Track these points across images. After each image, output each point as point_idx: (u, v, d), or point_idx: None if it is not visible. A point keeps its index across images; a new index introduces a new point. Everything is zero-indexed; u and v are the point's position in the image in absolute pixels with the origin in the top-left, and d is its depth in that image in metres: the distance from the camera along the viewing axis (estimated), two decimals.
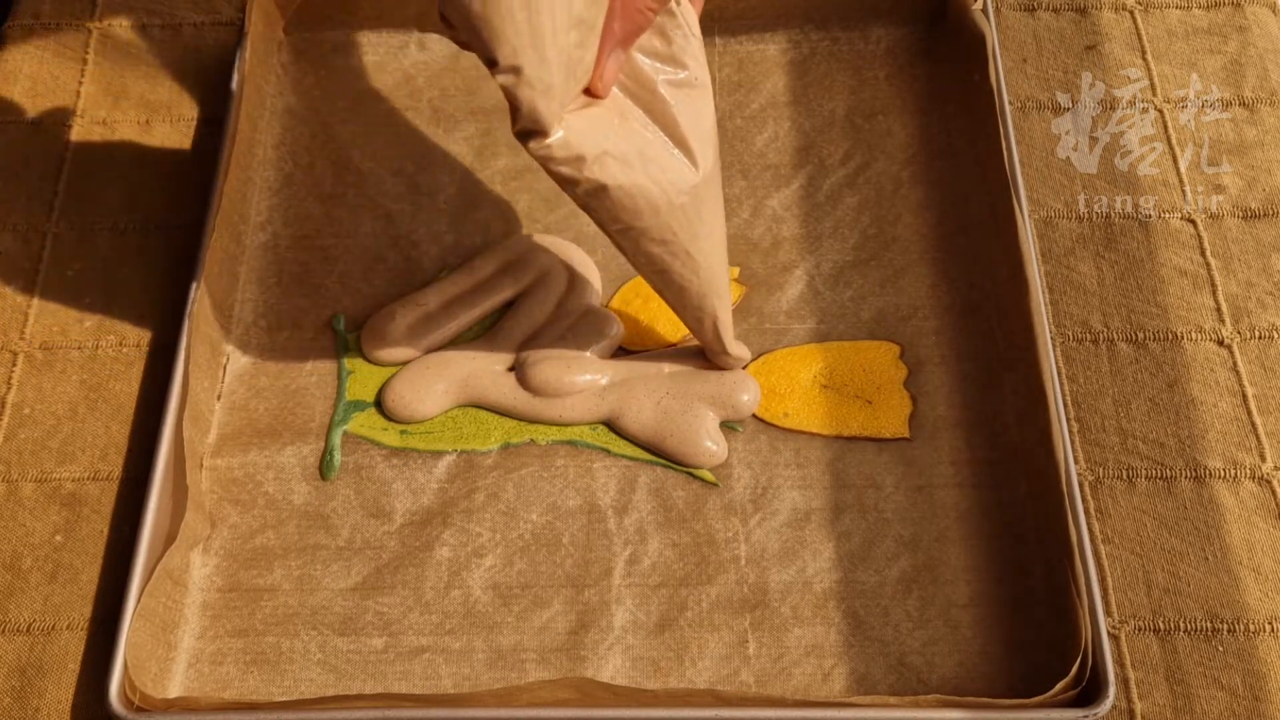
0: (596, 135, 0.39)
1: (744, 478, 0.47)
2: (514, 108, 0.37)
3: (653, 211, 0.41)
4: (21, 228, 0.53)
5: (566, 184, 0.40)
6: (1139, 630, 0.43)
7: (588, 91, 0.40)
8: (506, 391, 0.48)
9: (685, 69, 0.42)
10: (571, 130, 0.38)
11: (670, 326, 0.50)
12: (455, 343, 0.50)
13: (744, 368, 0.48)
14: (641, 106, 0.41)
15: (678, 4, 0.41)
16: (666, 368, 0.49)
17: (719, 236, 0.45)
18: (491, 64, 0.35)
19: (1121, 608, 0.43)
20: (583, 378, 0.48)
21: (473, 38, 0.35)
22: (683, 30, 0.41)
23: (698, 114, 0.42)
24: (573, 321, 0.50)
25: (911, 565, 0.45)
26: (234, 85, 0.53)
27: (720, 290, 0.45)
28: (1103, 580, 0.44)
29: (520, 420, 0.48)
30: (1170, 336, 0.49)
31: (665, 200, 0.41)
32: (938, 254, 0.51)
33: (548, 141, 0.38)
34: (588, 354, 0.48)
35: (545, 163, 0.39)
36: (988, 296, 0.50)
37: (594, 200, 0.41)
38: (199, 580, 0.45)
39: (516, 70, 0.35)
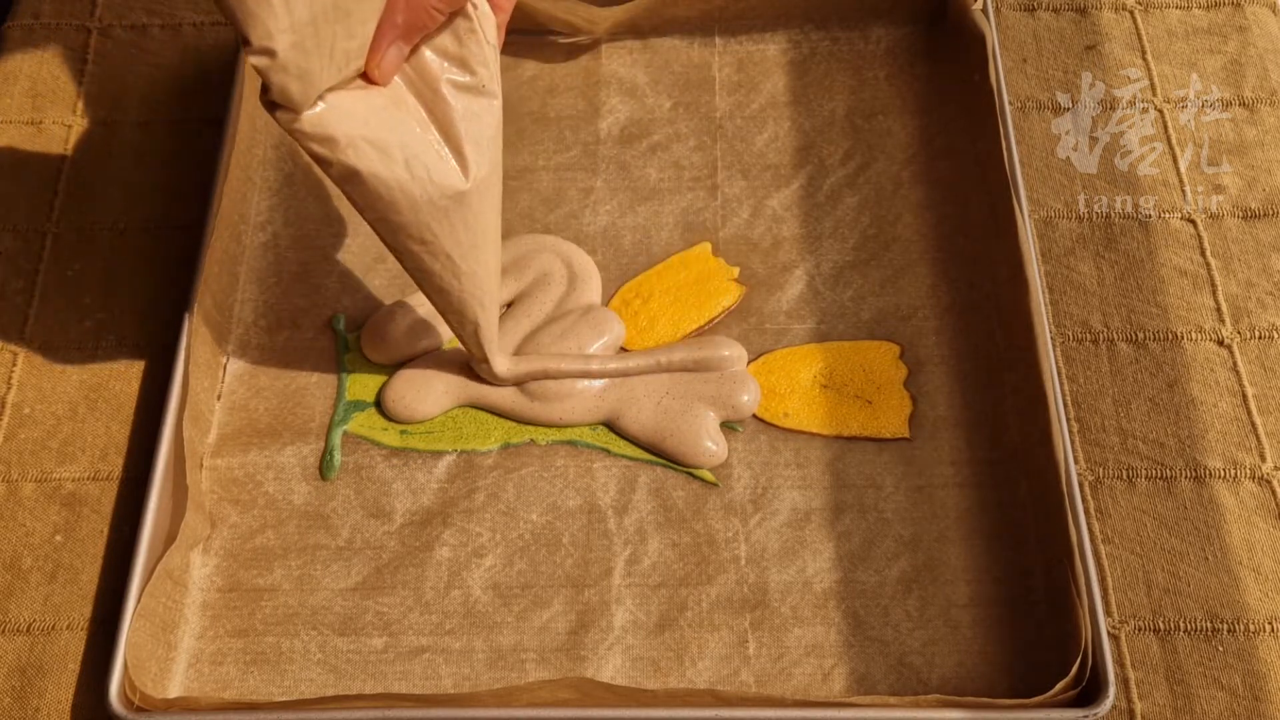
0: (356, 120, 0.39)
1: (744, 478, 0.47)
2: (265, 80, 0.36)
3: (411, 208, 0.40)
4: (21, 228, 0.53)
5: (319, 163, 0.39)
6: (1139, 630, 0.43)
7: (366, 77, 0.39)
8: (506, 394, 0.48)
9: (473, 74, 0.41)
10: (330, 109, 0.38)
11: (670, 326, 0.50)
12: (455, 342, 0.50)
13: (506, 384, 0.48)
14: (423, 104, 0.41)
15: (474, 8, 0.40)
16: (662, 358, 0.49)
17: (490, 246, 0.44)
18: (245, 43, 0.35)
19: (1121, 608, 0.43)
20: (578, 380, 0.48)
21: (230, 16, 0.35)
22: (477, 36, 0.40)
23: (479, 121, 0.41)
24: (573, 320, 0.50)
25: (911, 565, 0.45)
26: (234, 85, 0.53)
27: (484, 299, 0.44)
28: (1103, 580, 0.44)
29: (520, 422, 0.48)
30: (1170, 336, 0.49)
31: (426, 199, 0.40)
32: (938, 254, 0.51)
33: (297, 117, 0.37)
34: (581, 352, 0.48)
35: (293, 137, 0.38)
36: (988, 296, 0.50)
37: (347, 185, 0.40)
38: (199, 580, 0.45)
39: (270, 53, 0.35)
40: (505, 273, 0.51)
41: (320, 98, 0.38)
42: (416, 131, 0.40)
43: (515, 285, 0.51)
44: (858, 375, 0.49)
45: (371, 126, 0.39)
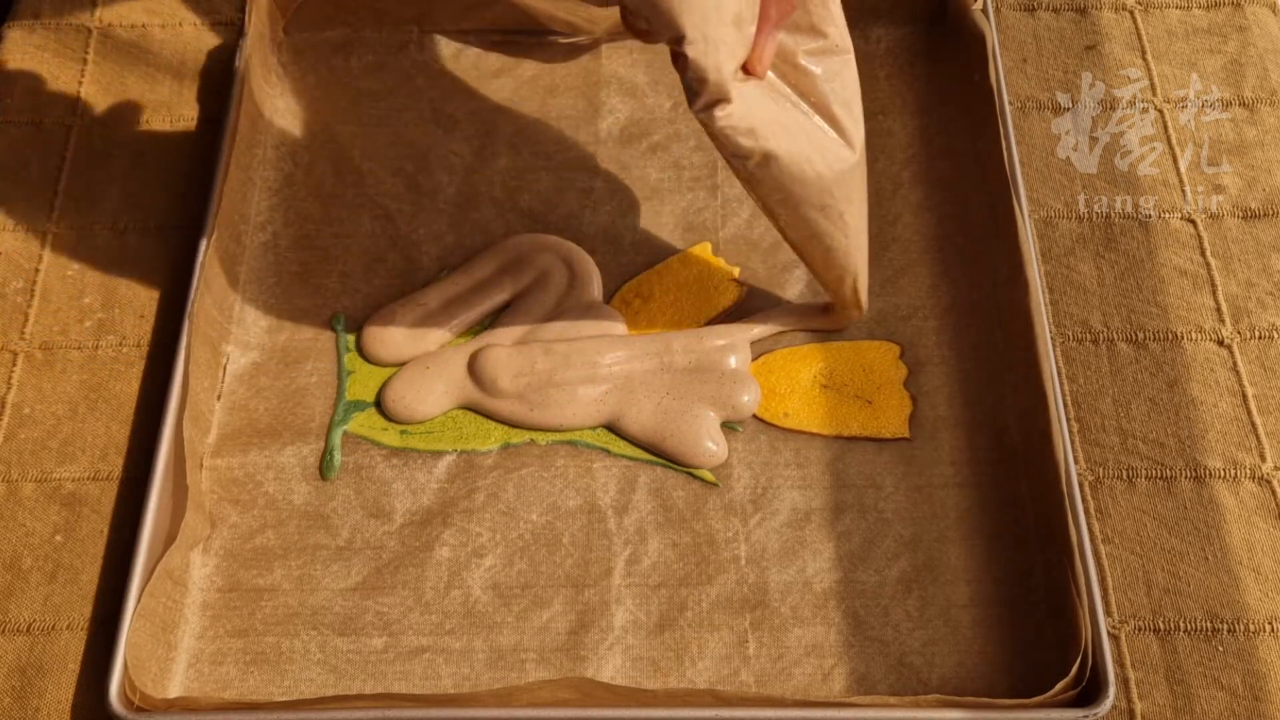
0: (765, 106, 0.41)
1: (744, 478, 0.47)
2: (699, 79, 0.38)
3: (816, 180, 0.42)
4: (21, 228, 0.53)
5: (739, 156, 0.41)
6: (1139, 630, 0.43)
7: (745, 70, 0.41)
8: (505, 401, 0.48)
9: (825, 36, 0.42)
10: (743, 100, 0.40)
11: (670, 326, 0.50)
12: (455, 342, 0.50)
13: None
14: (788, 83, 0.43)
15: None
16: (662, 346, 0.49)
17: (865, 200, 0.46)
18: (679, 39, 0.37)
19: (1121, 608, 0.43)
20: (577, 386, 0.48)
21: (656, 16, 0.37)
22: (835, 18, 0.43)
23: (841, 80, 0.43)
24: (574, 318, 0.50)
25: (911, 565, 0.45)
26: (234, 85, 0.53)
27: (864, 248, 0.47)
28: (1103, 580, 0.44)
29: (519, 429, 0.48)
30: (1170, 336, 0.49)
31: (827, 168, 0.43)
32: (938, 254, 0.51)
33: (729, 110, 0.39)
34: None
35: (726, 134, 0.40)
36: (988, 296, 0.50)
37: (763, 170, 0.41)
38: (199, 580, 0.45)
39: (705, 39, 0.37)
40: (504, 272, 0.51)
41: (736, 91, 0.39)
42: (798, 113, 0.42)
43: (515, 284, 0.51)
44: (858, 375, 0.49)
45: (774, 111, 0.41)
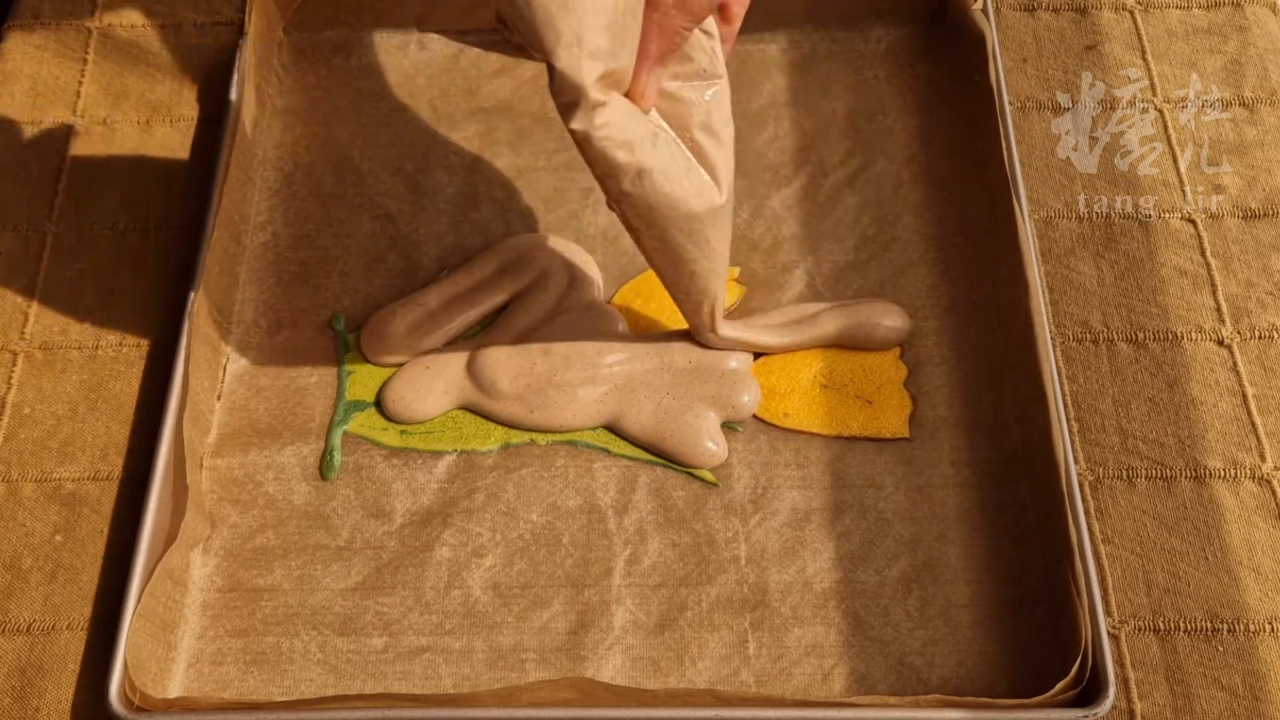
0: (638, 121, 0.40)
1: (744, 478, 0.47)
2: (572, 85, 0.37)
3: (685, 203, 0.42)
4: (21, 228, 0.53)
5: (614, 173, 0.40)
6: (1139, 630, 0.43)
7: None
8: (505, 403, 0.48)
9: (692, 61, 0.42)
10: (618, 110, 0.39)
11: (671, 326, 0.50)
12: (455, 342, 0.50)
13: (729, 352, 0.49)
14: (661, 112, 0.42)
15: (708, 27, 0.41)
16: (658, 349, 0.49)
17: (730, 229, 0.45)
18: (551, 46, 0.36)
19: (1121, 608, 0.43)
20: (577, 387, 0.48)
21: (526, 23, 0.36)
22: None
23: (712, 115, 0.43)
24: (574, 317, 0.50)
25: (911, 565, 0.45)
26: (234, 85, 0.53)
27: (725, 273, 0.46)
28: (1103, 580, 0.44)
29: (519, 430, 0.48)
30: (1170, 336, 0.49)
31: (698, 197, 0.42)
32: (938, 254, 0.51)
33: (606, 119, 0.38)
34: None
35: (604, 146, 0.39)
36: (988, 296, 0.50)
37: (637, 186, 0.41)
38: (199, 580, 0.45)
39: (579, 42, 0.36)
40: (504, 272, 0.51)
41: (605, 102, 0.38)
42: (668, 138, 0.42)
43: (515, 284, 0.51)
44: (858, 375, 0.49)
45: (645, 128, 0.40)
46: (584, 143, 0.39)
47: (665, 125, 0.42)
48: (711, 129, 0.43)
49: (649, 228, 0.43)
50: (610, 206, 0.43)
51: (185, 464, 0.44)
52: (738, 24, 0.44)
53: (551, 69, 0.37)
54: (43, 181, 0.54)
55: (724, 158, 0.43)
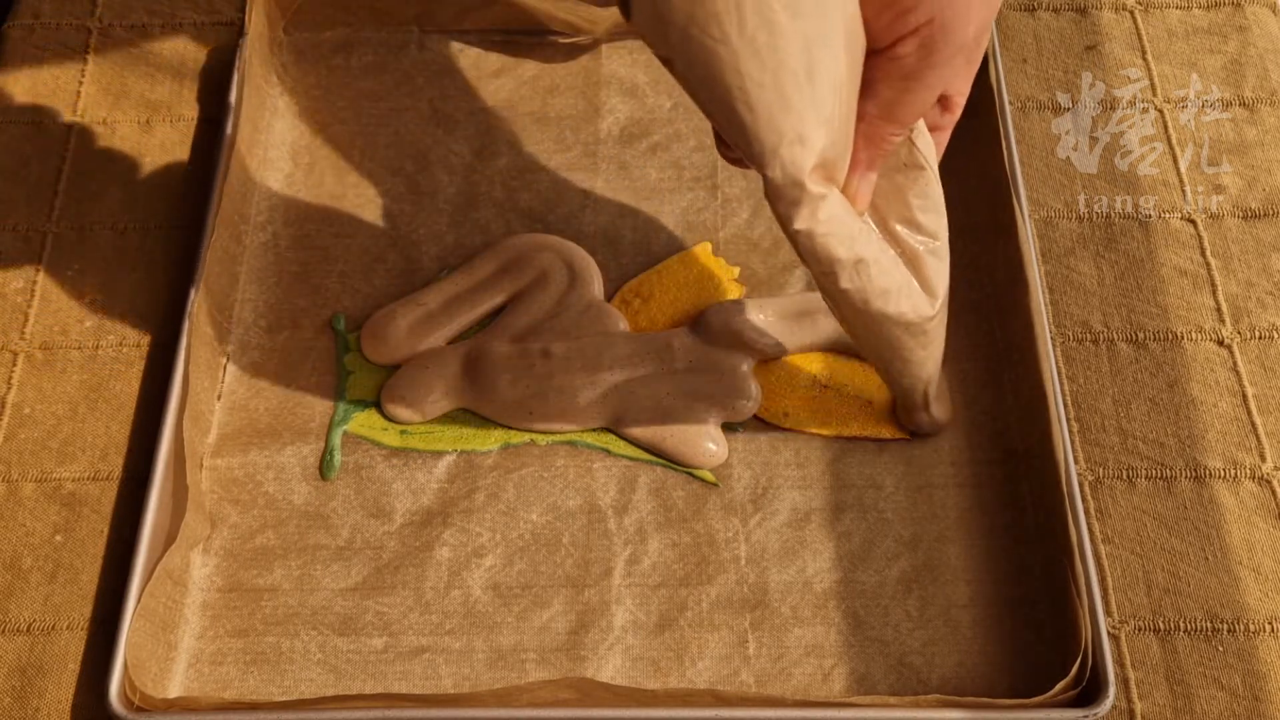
0: (851, 215, 0.38)
1: (744, 478, 0.47)
2: (794, 181, 0.35)
3: (896, 309, 0.40)
4: (21, 228, 0.53)
5: (834, 267, 0.38)
6: (1139, 630, 0.43)
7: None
8: (504, 406, 0.48)
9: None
10: (840, 207, 0.37)
11: (671, 326, 0.50)
12: (455, 342, 0.50)
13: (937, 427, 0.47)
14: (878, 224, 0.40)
15: (916, 136, 0.39)
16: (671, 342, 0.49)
17: (944, 323, 0.44)
18: (774, 146, 0.34)
19: (1121, 608, 0.43)
20: (576, 392, 0.48)
21: (747, 132, 0.34)
22: (922, 187, 0.40)
23: (925, 207, 0.40)
24: (574, 316, 0.50)
25: (911, 565, 0.45)
26: (234, 85, 0.53)
27: (939, 358, 0.44)
28: (1103, 580, 0.44)
29: (519, 430, 0.48)
30: (1170, 336, 0.49)
31: (909, 300, 0.40)
32: None
33: (829, 212, 0.36)
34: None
35: (824, 240, 0.37)
36: (988, 296, 0.50)
37: (857, 278, 0.39)
38: (199, 580, 0.45)
39: (801, 140, 0.34)
40: (504, 272, 0.51)
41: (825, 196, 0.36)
42: (880, 240, 0.40)
43: (515, 284, 0.51)
44: (858, 375, 0.49)
45: (857, 224, 0.38)
46: (808, 240, 0.37)
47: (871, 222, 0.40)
48: (915, 222, 0.40)
49: (867, 321, 0.41)
50: (827, 302, 0.41)
51: (185, 464, 0.44)
52: (958, 113, 0.41)
53: (767, 176, 0.35)
54: (43, 181, 0.54)
55: (935, 264, 0.41)
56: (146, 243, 0.52)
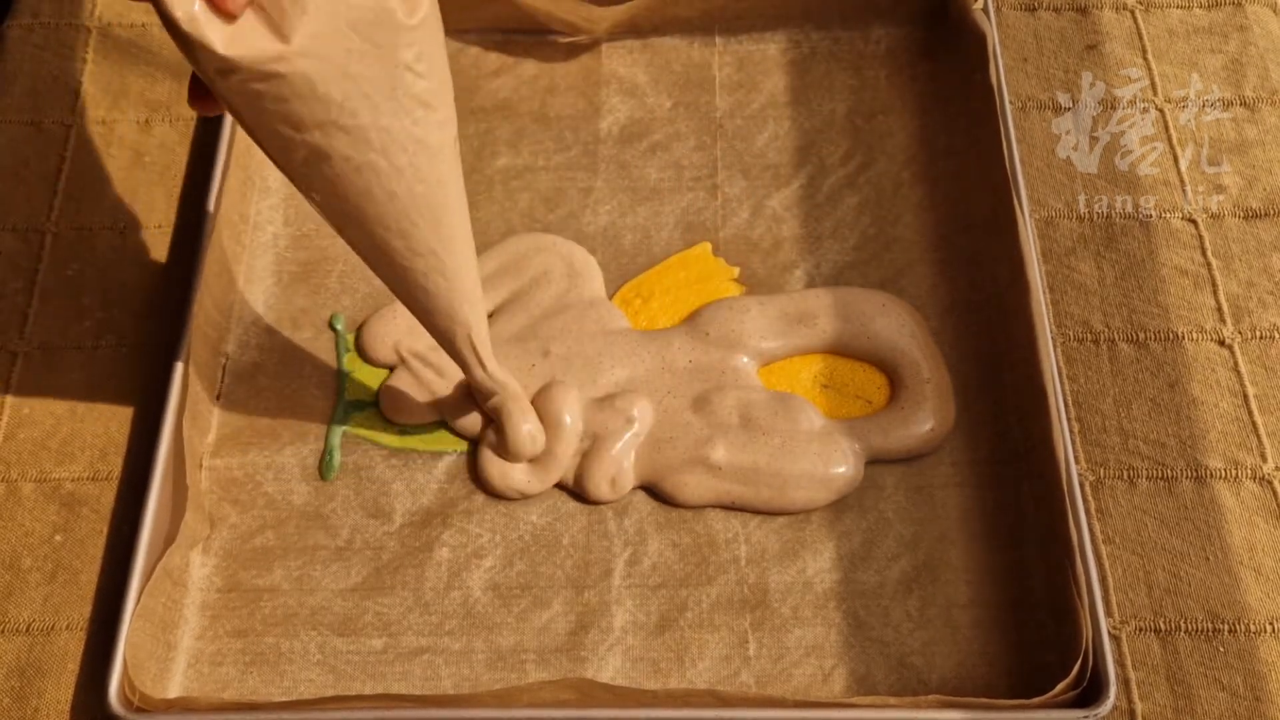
0: (321, 67, 0.31)
1: None
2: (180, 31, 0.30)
3: (387, 196, 0.35)
4: (21, 228, 0.53)
5: (284, 146, 0.32)
6: (1140, 630, 0.43)
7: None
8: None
9: None
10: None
11: (671, 326, 0.50)
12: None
13: (506, 395, 0.44)
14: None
15: None
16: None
17: (468, 238, 0.39)
18: None
19: (1122, 608, 0.43)
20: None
21: None
22: None
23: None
24: (575, 314, 0.49)
25: (911, 565, 0.45)
26: None
27: (473, 297, 0.40)
28: (1103, 580, 0.44)
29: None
30: (1171, 336, 0.49)
31: (406, 188, 0.35)
32: (938, 254, 0.51)
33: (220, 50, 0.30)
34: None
35: (246, 110, 0.31)
36: (988, 296, 0.50)
37: (311, 169, 0.34)
38: (198, 580, 0.45)
39: None
40: (505, 271, 0.51)
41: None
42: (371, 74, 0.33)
43: (514, 283, 0.51)
44: (858, 375, 0.49)
45: (330, 72, 0.32)
46: (234, 99, 0.31)
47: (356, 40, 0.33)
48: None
49: (348, 228, 0.36)
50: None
51: (185, 464, 0.44)
52: None
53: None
54: (43, 181, 0.54)
55: (442, 89, 0.35)
56: (146, 243, 0.52)
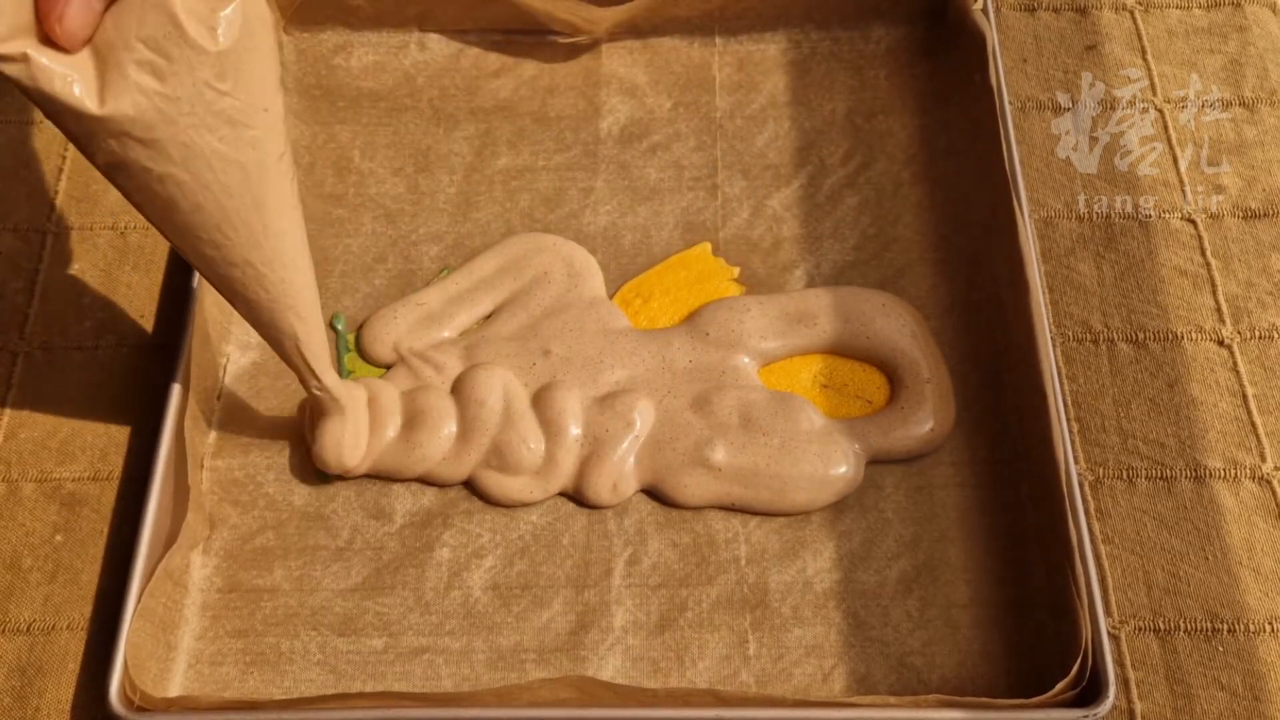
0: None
1: None
2: None
3: (193, 207, 0.34)
4: (21, 228, 0.53)
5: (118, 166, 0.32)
6: (1139, 630, 0.43)
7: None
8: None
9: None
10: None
11: (671, 326, 0.50)
12: (454, 341, 0.50)
13: (338, 406, 0.43)
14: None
15: None
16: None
17: (298, 244, 0.38)
18: None
19: (1122, 608, 0.43)
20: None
21: None
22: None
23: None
24: (576, 314, 0.49)
25: (911, 565, 0.45)
26: None
27: (300, 308, 0.39)
28: (1103, 580, 0.44)
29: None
30: (1170, 336, 0.49)
31: (215, 193, 0.35)
32: (938, 254, 0.51)
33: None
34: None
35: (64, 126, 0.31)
36: (988, 297, 0.50)
37: (112, 174, 0.33)
38: (199, 581, 0.45)
39: None
40: (505, 271, 0.51)
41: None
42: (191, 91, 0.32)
43: (514, 283, 0.51)
44: (858, 375, 0.49)
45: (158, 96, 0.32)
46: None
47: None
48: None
49: (163, 225, 0.35)
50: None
51: (185, 464, 0.44)
52: None
53: None
54: (43, 181, 0.54)
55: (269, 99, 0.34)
56: (146, 243, 0.52)
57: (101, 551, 0.45)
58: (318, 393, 0.43)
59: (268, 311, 0.39)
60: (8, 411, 0.48)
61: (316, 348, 0.41)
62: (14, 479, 0.47)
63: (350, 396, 0.44)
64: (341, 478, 0.46)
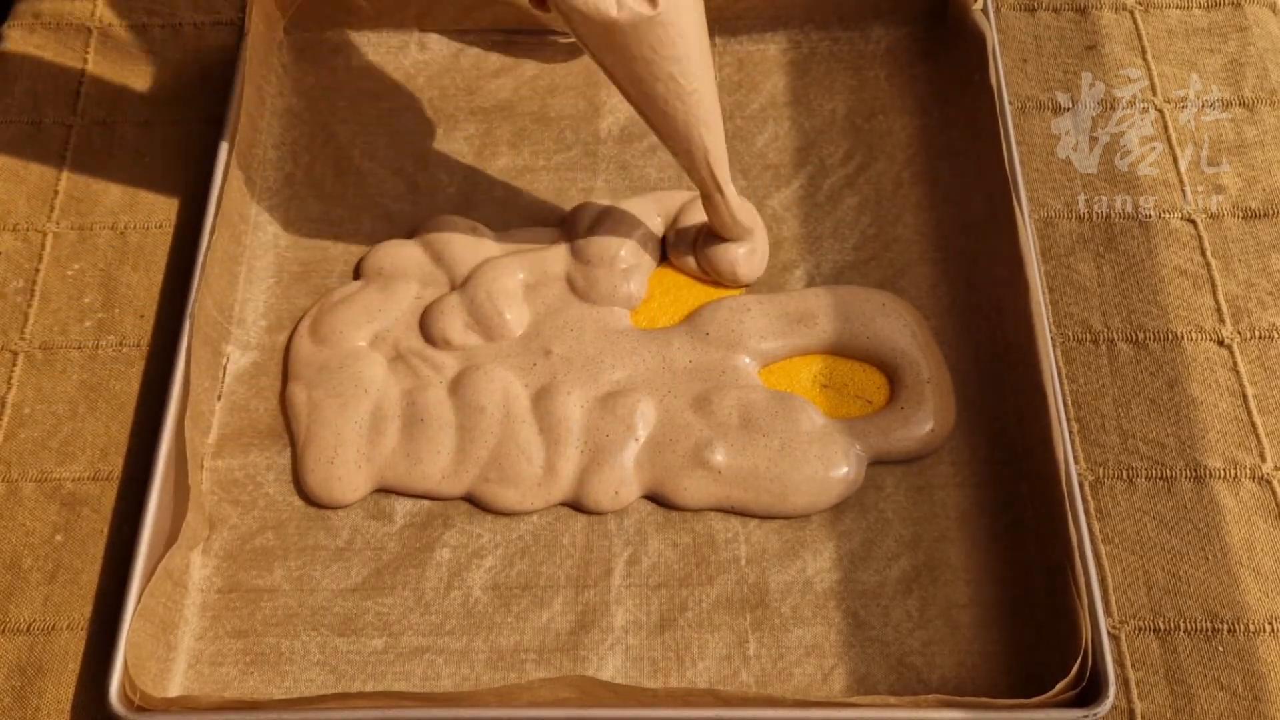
0: None
1: None
2: None
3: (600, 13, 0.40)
4: (21, 228, 0.53)
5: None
6: (1139, 630, 0.43)
7: None
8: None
9: None
10: None
11: (671, 326, 0.50)
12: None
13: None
14: None
15: None
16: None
17: (705, 60, 0.43)
18: None
19: (1122, 608, 0.43)
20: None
21: None
22: None
23: None
24: (575, 315, 0.49)
25: (911, 565, 0.45)
26: (234, 85, 0.53)
27: (709, 117, 0.44)
28: (1103, 580, 0.44)
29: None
30: (1170, 336, 0.49)
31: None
32: (938, 254, 0.51)
33: None
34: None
35: None
36: (988, 297, 0.50)
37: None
38: (199, 581, 0.45)
39: None
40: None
41: None
42: None
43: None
44: (858, 375, 0.49)
45: None
46: None
47: None
48: None
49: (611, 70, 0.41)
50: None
51: (185, 464, 0.44)
52: None
53: None
54: (43, 181, 0.54)
55: None
56: (146, 243, 0.52)
57: (101, 551, 0.45)
58: (714, 207, 0.47)
59: (683, 124, 0.43)
60: (8, 411, 0.48)
61: (722, 162, 0.46)
62: (14, 479, 0.47)
63: (751, 215, 0.49)
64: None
